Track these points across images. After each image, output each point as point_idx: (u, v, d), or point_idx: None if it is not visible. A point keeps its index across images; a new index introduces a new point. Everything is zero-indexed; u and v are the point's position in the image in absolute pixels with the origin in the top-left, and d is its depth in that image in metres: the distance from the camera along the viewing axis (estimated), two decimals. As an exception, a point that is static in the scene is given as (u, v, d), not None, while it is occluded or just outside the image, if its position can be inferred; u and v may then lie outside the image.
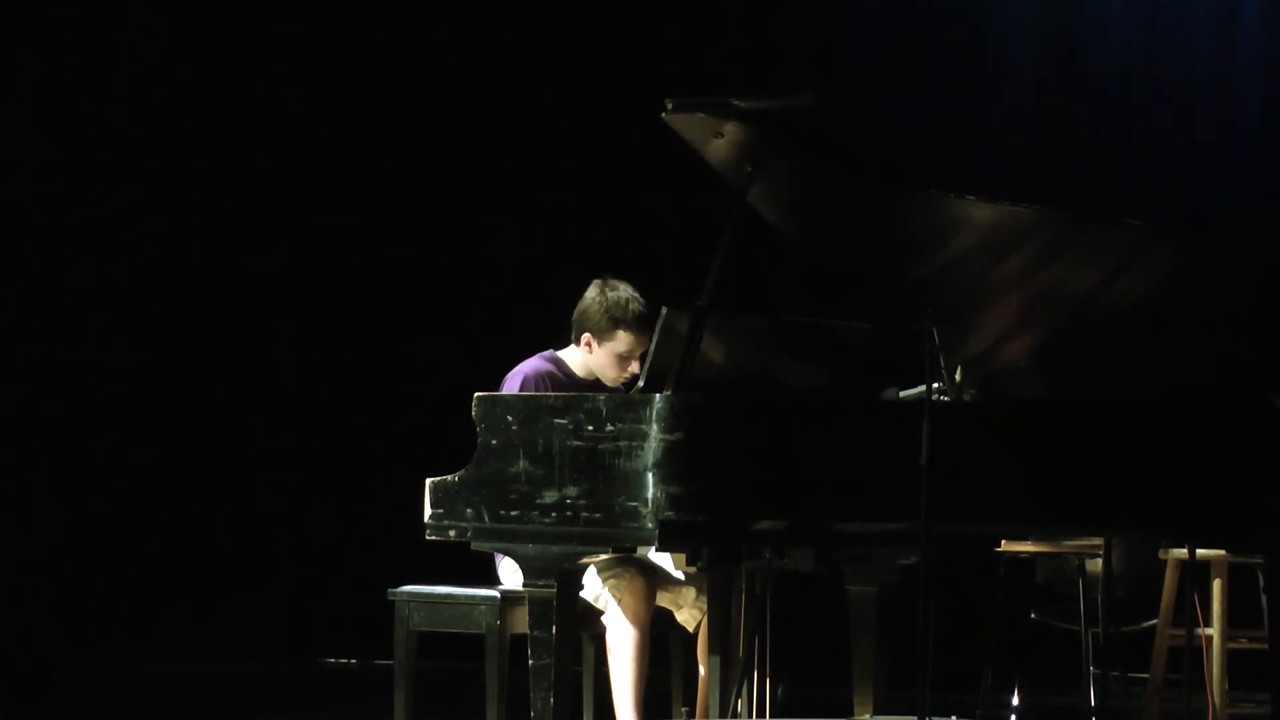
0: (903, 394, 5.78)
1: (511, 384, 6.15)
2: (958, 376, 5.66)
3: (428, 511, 5.44)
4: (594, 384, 6.24)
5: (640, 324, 6.12)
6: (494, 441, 5.32)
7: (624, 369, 6.20)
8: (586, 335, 6.21)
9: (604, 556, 5.73)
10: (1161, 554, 7.12)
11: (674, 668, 6.31)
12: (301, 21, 9.98)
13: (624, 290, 6.18)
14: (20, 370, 9.34)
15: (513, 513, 5.28)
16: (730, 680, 5.69)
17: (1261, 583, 6.75)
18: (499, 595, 5.93)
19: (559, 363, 6.25)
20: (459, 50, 9.94)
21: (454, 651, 6.99)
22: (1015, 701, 7.83)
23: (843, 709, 6.43)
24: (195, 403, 9.93)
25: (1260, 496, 5.29)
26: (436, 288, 9.90)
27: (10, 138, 9.23)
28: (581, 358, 6.24)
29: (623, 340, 6.16)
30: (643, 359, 5.84)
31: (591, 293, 6.22)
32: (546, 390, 6.08)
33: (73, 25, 9.56)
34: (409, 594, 6.09)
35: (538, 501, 5.25)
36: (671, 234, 9.34)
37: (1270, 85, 9.28)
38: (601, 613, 5.96)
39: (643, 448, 5.11)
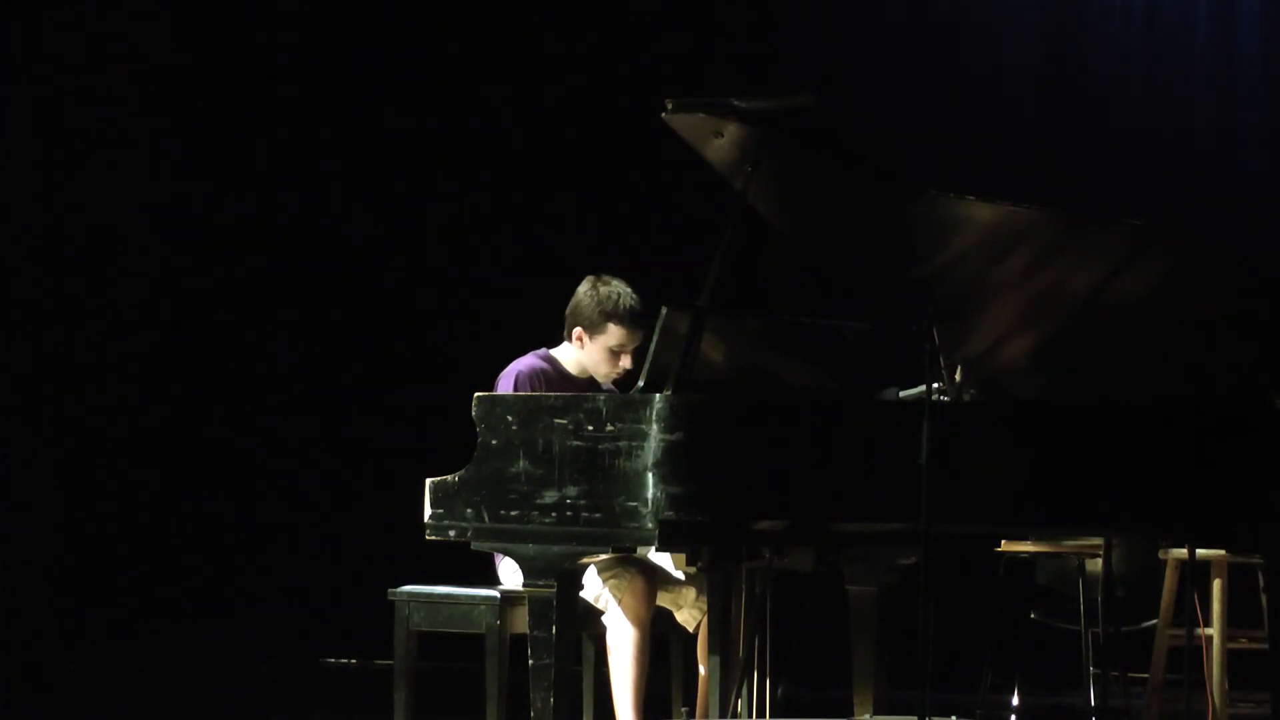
0: (903, 394, 5.78)
1: (505, 383, 6.14)
2: (958, 376, 5.66)
3: (428, 511, 5.45)
4: (587, 382, 6.23)
5: (632, 318, 6.13)
6: (494, 441, 5.32)
7: (615, 364, 6.19)
8: (578, 330, 6.21)
9: (604, 556, 5.73)
10: (1161, 554, 7.11)
11: (674, 668, 6.31)
12: (303, 20, 9.98)
13: (616, 285, 6.19)
14: (20, 371, 9.34)
15: (513, 513, 5.28)
16: (730, 680, 5.68)
17: (1261, 583, 6.75)
18: (499, 595, 5.93)
19: (552, 361, 6.24)
20: (460, 50, 9.94)
21: (454, 651, 6.99)
22: (1015, 701, 7.82)
23: (843, 709, 6.43)
24: (195, 403, 9.92)
25: (1260, 496, 5.28)
26: (437, 288, 9.89)
27: (9, 137, 9.23)
28: (574, 354, 6.24)
29: (614, 334, 6.16)
30: (641, 358, 5.83)
31: (584, 288, 6.22)
32: (540, 388, 6.08)
33: (69, 23, 9.56)
34: (409, 594, 6.09)
35: (538, 501, 5.25)
36: (671, 234, 9.34)
37: (1270, 85, 9.27)
38: (602, 613, 5.96)
39: (643, 448, 5.11)
